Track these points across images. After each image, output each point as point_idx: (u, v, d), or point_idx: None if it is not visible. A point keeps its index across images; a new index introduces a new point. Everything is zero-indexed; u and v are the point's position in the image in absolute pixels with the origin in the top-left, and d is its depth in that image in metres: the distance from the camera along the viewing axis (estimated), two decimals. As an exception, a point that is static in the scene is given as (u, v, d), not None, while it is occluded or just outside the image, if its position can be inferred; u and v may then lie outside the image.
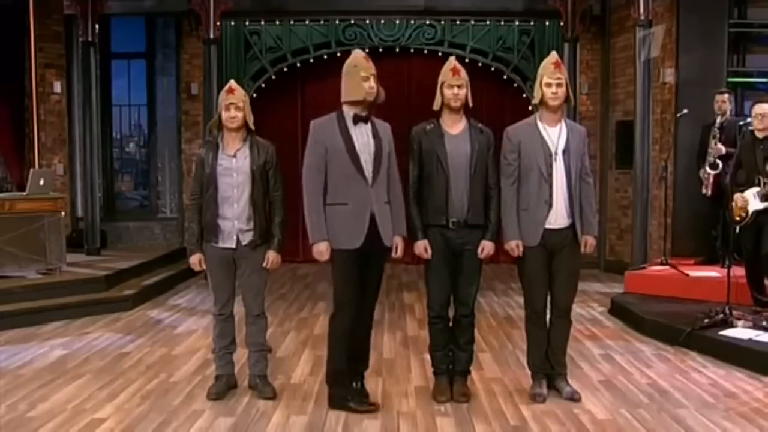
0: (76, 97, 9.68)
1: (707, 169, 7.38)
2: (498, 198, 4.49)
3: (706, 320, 5.81)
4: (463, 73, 4.47)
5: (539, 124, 4.50)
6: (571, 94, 4.53)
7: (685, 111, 7.89)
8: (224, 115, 4.48)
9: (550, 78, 4.43)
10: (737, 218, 6.08)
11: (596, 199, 4.80)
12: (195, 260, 4.60)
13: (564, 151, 4.44)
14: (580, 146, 4.50)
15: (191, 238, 4.62)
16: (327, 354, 4.45)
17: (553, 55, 4.55)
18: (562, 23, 9.59)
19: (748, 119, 6.48)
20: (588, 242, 4.53)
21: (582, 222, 4.49)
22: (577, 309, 7.22)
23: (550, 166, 4.42)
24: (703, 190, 7.47)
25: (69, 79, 9.71)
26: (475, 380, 4.98)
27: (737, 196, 6.06)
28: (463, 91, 4.43)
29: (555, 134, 4.47)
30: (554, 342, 4.61)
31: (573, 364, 5.15)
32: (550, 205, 4.42)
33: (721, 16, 8.48)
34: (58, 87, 9.65)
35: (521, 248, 4.45)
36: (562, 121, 4.52)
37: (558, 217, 4.44)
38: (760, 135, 6.10)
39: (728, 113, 7.45)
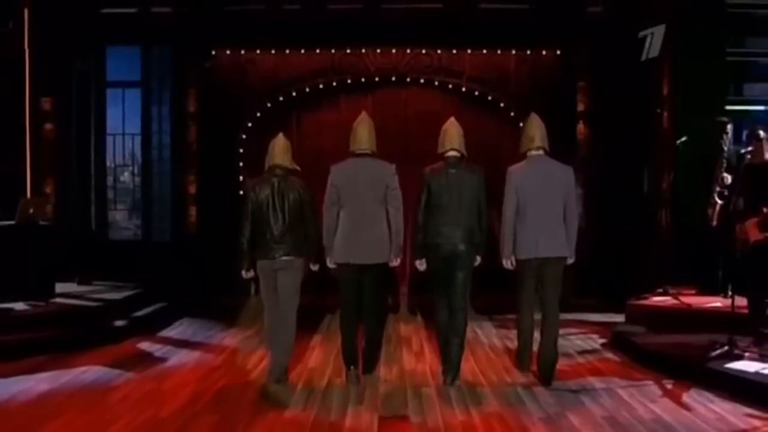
0: (71, 125, 9.60)
1: (715, 198, 7.20)
2: None
3: (711, 352, 5.68)
4: None
5: None
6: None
7: (684, 138, 7.82)
8: None
9: None
10: (740, 248, 5.98)
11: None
12: None
13: None
14: None
15: None
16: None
17: None
18: (559, 52, 9.59)
19: (750, 147, 6.43)
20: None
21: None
22: (576, 341, 7.11)
23: None
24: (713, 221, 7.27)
25: (64, 107, 9.61)
26: (473, 415, 4.83)
27: (738, 225, 5.97)
28: None
29: None
30: None
31: (575, 399, 5.01)
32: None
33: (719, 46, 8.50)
34: (52, 115, 9.54)
35: None
36: None
37: None
38: (756, 162, 6.06)
39: (728, 142, 7.36)
